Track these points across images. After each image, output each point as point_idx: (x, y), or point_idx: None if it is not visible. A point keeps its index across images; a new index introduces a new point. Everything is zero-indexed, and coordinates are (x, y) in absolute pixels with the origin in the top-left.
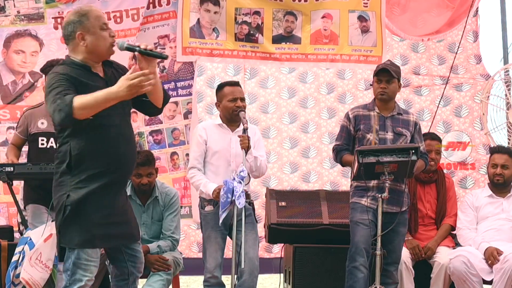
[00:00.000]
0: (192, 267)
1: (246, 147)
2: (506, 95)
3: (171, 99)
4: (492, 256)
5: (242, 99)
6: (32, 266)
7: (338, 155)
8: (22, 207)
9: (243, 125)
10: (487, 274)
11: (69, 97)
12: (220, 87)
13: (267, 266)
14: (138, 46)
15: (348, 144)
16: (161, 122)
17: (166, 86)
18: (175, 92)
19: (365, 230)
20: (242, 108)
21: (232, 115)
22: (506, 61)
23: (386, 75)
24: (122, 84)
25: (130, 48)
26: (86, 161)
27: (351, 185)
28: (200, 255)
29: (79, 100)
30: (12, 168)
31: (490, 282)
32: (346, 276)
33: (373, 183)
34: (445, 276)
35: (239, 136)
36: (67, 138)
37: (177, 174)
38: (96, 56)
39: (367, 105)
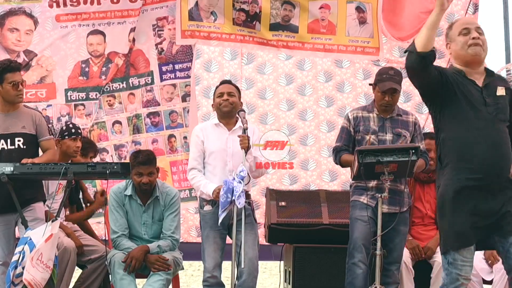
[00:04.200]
0: (191, 252)
1: (246, 147)
2: None
3: (169, 81)
4: (492, 256)
5: (229, 94)
6: (33, 267)
7: (337, 155)
8: None
9: (243, 125)
10: (487, 274)
11: None
12: (215, 88)
13: (267, 253)
14: None
15: (348, 145)
16: (159, 104)
17: (164, 68)
18: (173, 74)
19: (364, 226)
20: (228, 101)
21: (221, 111)
22: (508, 58)
23: (393, 89)
24: None
25: None
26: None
27: (351, 185)
28: (198, 239)
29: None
30: (12, 168)
31: (490, 282)
32: (346, 273)
33: (372, 183)
34: None
35: (238, 136)
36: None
37: (175, 157)
38: (463, 61)
39: (367, 107)
